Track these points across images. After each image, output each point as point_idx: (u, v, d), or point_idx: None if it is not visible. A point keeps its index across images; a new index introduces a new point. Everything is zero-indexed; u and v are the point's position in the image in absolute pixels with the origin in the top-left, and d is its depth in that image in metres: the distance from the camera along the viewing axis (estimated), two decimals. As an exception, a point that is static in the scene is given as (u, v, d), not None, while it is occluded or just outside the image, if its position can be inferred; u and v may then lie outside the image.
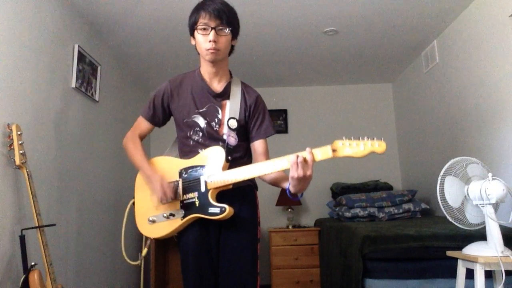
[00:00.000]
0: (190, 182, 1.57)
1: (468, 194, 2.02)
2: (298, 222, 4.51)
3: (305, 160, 1.37)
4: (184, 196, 1.56)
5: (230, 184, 1.52)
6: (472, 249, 1.96)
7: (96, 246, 3.08)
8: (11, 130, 1.97)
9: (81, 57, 2.85)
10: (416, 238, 2.37)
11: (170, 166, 1.64)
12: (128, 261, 1.71)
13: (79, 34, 2.88)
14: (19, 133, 1.98)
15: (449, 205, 2.03)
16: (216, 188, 1.52)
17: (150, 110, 1.71)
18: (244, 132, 1.69)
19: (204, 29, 1.56)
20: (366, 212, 3.49)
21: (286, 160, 1.40)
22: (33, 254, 2.04)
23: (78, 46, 2.79)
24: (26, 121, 2.18)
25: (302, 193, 1.47)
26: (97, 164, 3.16)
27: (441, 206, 2.05)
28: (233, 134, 1.61)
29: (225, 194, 1.54)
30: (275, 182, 1.61)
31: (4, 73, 2.02)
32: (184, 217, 1.55)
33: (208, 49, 1.56)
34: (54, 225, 2.25)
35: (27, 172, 1.99)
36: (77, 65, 2.78)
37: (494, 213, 1.93)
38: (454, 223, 2.04)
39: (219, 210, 1.48)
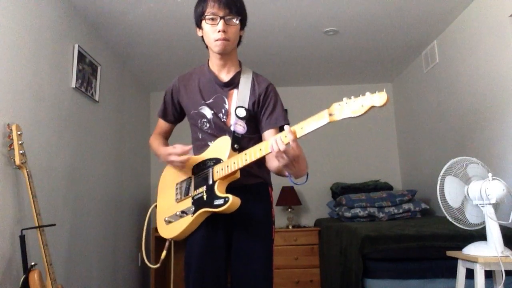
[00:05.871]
0: (200, 176, 1.54)
1: (468, 194, 2.02)
2: (298, 222, 4.51)
3: (279, 143, 1.24)
4: (195, 191, 1.53)
5: (235, 172, 1.43)
6: (472, 249, 1.96)
7: (96, 246, 3.08)
8: (11, 130, 1.97)
9: (81, 57, 2.85)
10: (416, 238, 2.38)
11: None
12: (149, 265, 1.79)
13: (79, 34, 2.88)
14: (19, 133, 1.98)
15: (449, 205, 2.03)
16: (222, 178, 1.45)
17: (162, 108, 1.73)
18: (255, 123, 1.62)
19: (213, 19, 1.50)
20: (366, 212, 3.49)
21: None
22: (33, 254, 2.04)
23: (78, 46, 2.79)
24: (26, 121, 2.18)
25: (307, 177, 1.35)
26: (97, 164, 3.15)
27: (441, 206, 2.04)
28: (241, 122, 1.54)
29: (237, 191, 1.45)
30: (278, 172, 1.50)
31: (4, 73, 2.02)
32: (194, 213, 1.49)
33: (217, 39, 1.51)
34: (54, 225, 2.25)
35: (27, 172, 1.99)
36: (77, 65, 2.77)
37: (494, 213, 1.93)
38: (454, 223, 2.04)
39: (223, 201, 1.41)
